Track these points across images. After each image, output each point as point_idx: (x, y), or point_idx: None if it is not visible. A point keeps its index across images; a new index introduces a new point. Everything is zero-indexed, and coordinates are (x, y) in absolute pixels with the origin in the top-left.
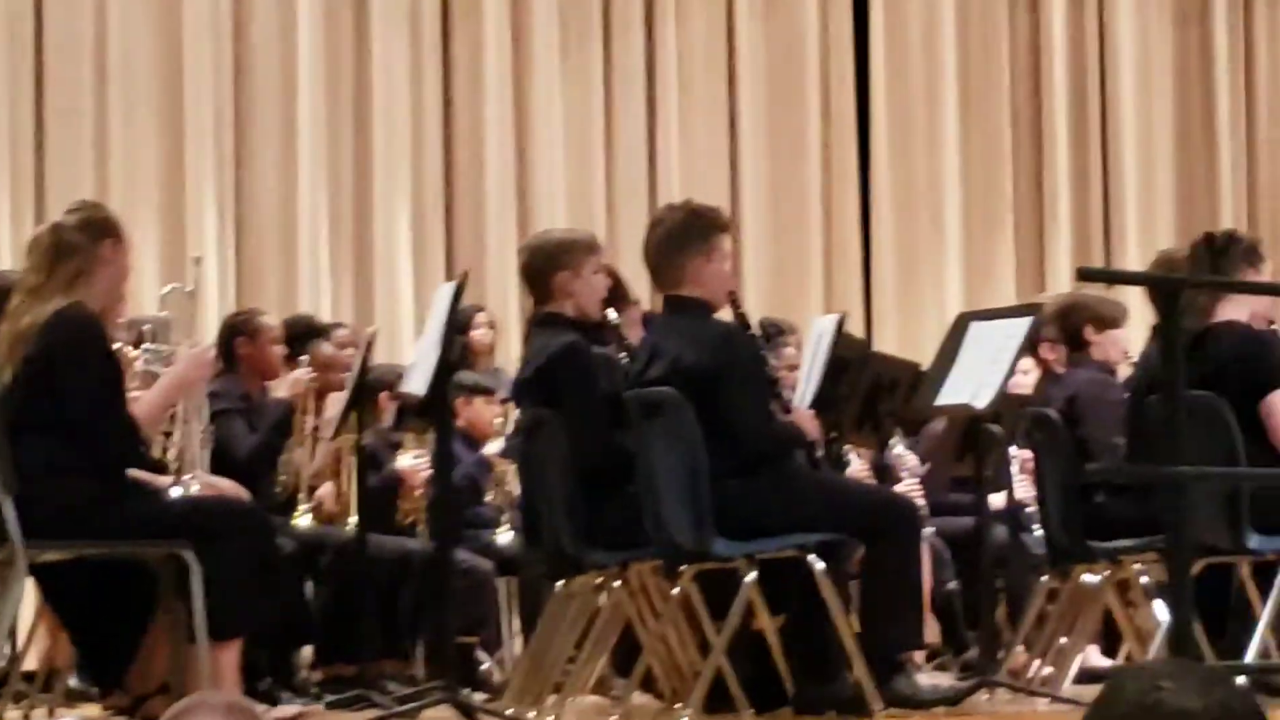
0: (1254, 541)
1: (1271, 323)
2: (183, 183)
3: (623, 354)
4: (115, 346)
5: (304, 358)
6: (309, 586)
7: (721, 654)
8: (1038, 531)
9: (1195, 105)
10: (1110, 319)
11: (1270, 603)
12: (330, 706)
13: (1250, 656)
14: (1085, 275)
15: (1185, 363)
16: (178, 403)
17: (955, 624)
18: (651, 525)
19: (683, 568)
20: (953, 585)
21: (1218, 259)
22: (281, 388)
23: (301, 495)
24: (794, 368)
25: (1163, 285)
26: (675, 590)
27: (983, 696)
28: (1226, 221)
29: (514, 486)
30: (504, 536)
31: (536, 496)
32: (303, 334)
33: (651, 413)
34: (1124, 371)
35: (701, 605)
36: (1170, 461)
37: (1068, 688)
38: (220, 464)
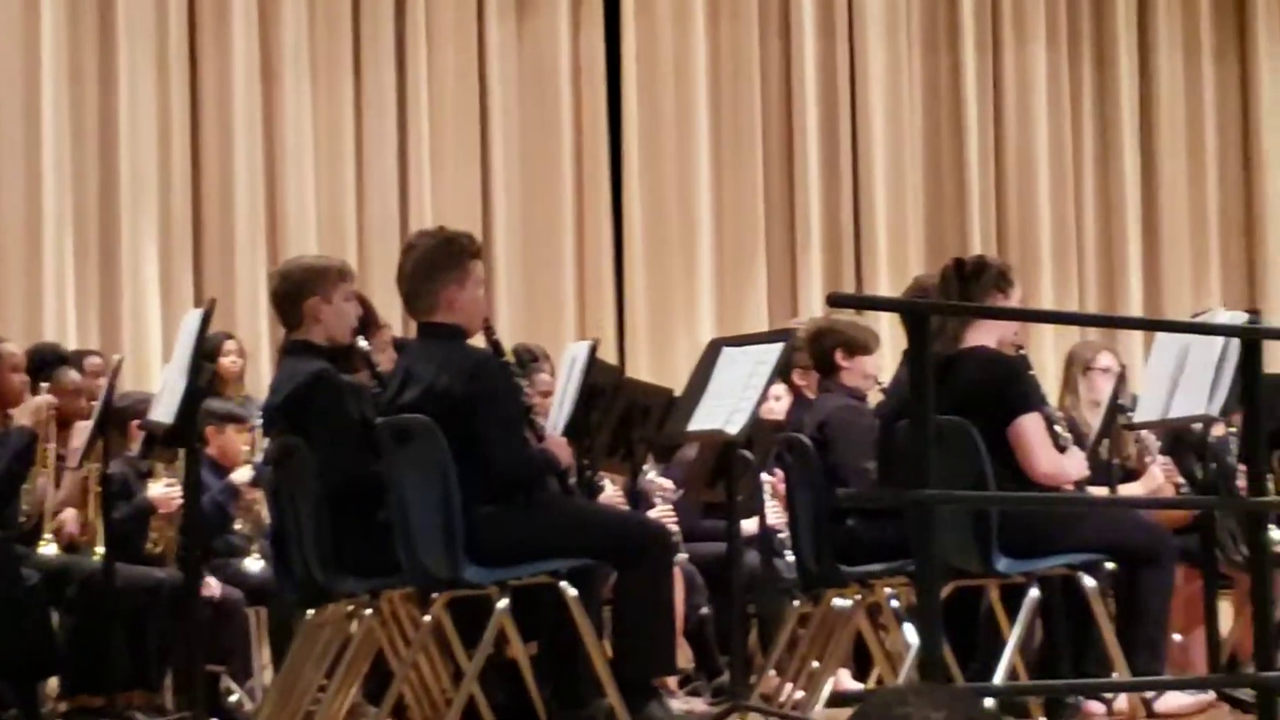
0: (1002, 564)
1: (1020, 347)
2: None
3: (375, 381)
4: None
5: (46, 385)
6: (55, 617)
7: (474, 681)
8: (790, 556)
9: (945, 133)
10: (861, 345)
11: (1018, 625)
12: None
13: (998, 678)
14: (836, 301)
15: (934, 387)
16: None
17: (708, 649)
18: (403, 552)
19: (435, 595)
20: (705, 610)
21: (967, 284)
22: (23, 415)
23: (46, 524)
24: (547, 394)
25: (911, 310)
26: (427, 618)
27: None
28: (976, 247)
29: (264, 514)
30: (254, 565)
31: (286, 524)
32: (48, 362)
33: (403, 439)
34: (875, 397)
35: (454, 633)
36: (919, 485)
37: (819, 711)
38: None
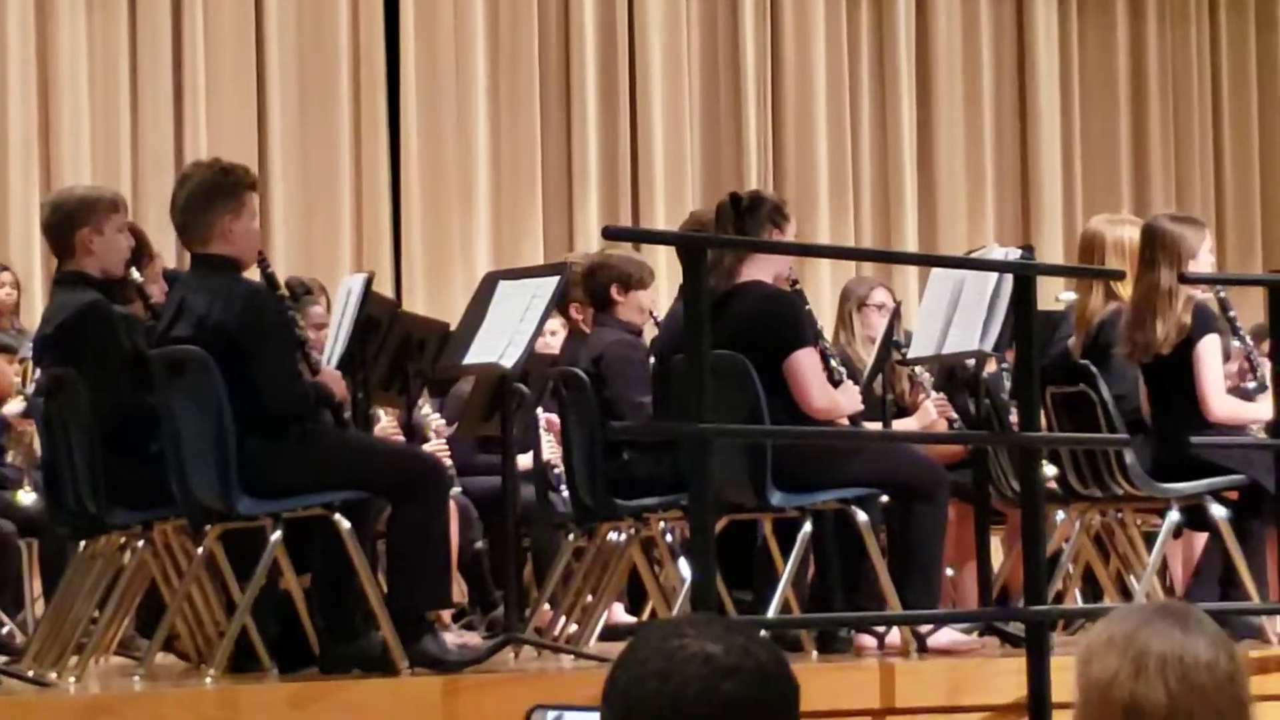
0: (776, 498)
1: (795, 282)
2: None
3: (148, 313)
4: None
5: None
6: None
7: (246, 613)
8: (565, 491)
9: (723, 69)
10: (636, 279)
11: (791, 559)
12: None
13: (771, 612)
14: (611, 234)
15: (710, 322)
16: None
17: (482, 582)
18: (176, 484)
19: (208, 527)
20: (480, 544)
21: (743, 219)
22: None
23: None
24: (322, 327)
25: (687, 244)
26: (200, 549)
27: (509, 654)
28: (753, 183)
29: (36, 446)
30: (26, 497)
31: (58, 456)
32: None
33: (176, 371)
34: (651, 331)
35: (227, 564)
36: (694, 419)
37: (593, 644)
38: None
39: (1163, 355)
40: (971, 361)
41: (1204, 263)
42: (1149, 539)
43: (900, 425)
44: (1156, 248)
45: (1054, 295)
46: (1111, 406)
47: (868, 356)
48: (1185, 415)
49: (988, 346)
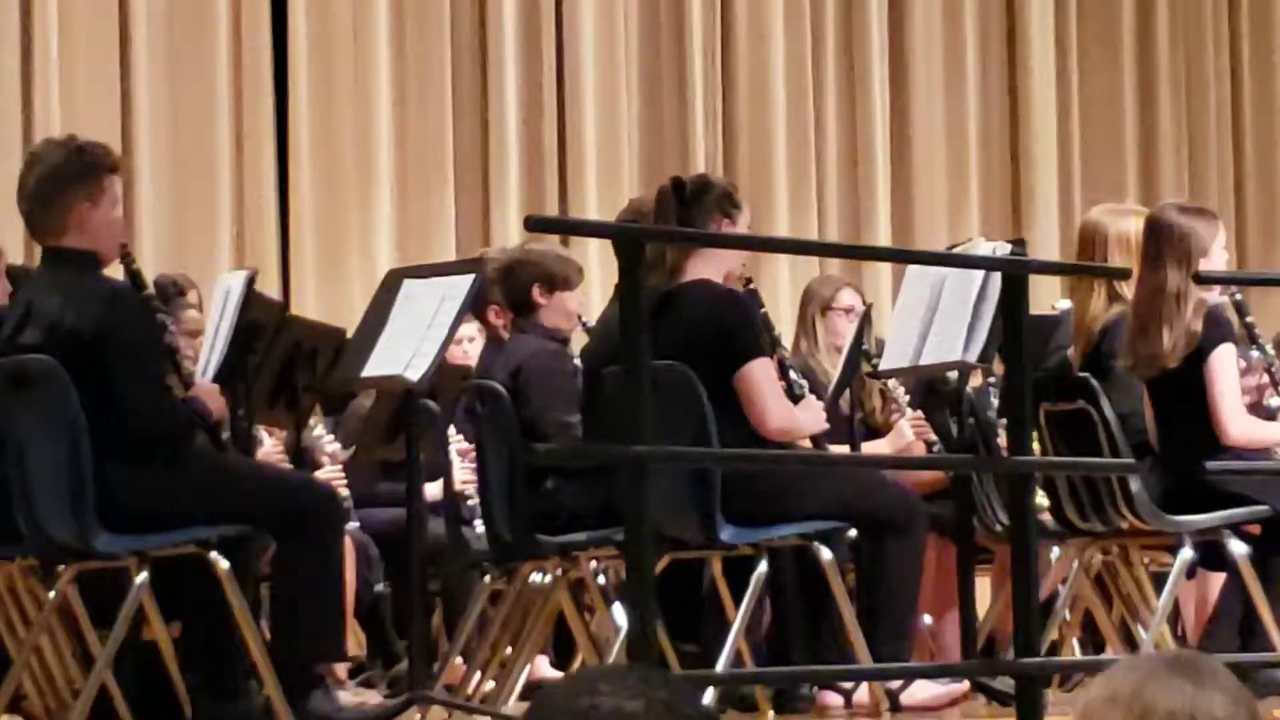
0: (727, 533)
1: (749, 281)
2: None
3: None
4: None
5: None
6: None
7: (107, 668)
8: (480, 525)
9: (666, 31)
10: (562, 278)
11: (744, 604)
12: None
13: (721, 665)
14: (535, 225)
15: (649, 328)
16: None
17: (383, 632)
18: (24, 517)
19: (61, 567)
20: (381, 587)
21: (688, 207)
22: None
23: None
24: (196, 333)
25: (622, 236)
26: (52, 594)
27: (414, 715)
28: (699, 165)
29: None
30: None
31: None
32: None
33: (23, 384)
34: (580, 339)
35: (83, 611)
36: (630, 441)
37: (513, 704)
38: None
39: (1170, 369)
40: (953, 374)
41: (1217, 260)
42: (1158, 580)
43: (870, 448)
44: (1162, 244)
45: (1050, 303)
46: (1115, 426)
47: (833, 368)
48: (1197, 438)
49: (972, 357)
